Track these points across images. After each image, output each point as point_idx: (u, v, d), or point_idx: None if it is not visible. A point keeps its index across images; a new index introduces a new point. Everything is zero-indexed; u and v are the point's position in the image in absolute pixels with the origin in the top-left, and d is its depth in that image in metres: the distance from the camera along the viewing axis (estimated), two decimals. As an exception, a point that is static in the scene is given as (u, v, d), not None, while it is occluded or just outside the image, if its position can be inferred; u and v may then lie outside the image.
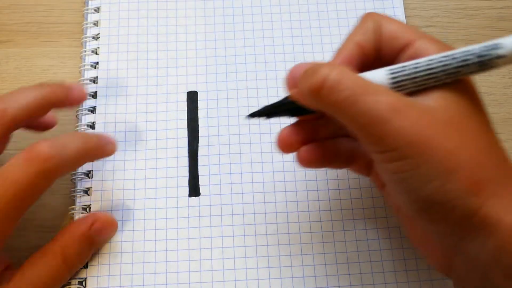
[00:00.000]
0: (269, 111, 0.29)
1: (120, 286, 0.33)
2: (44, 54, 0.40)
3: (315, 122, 0.29)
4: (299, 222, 0.35)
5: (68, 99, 0.32)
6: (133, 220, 0.35)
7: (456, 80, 0.24)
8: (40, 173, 0.28)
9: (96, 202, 0.35)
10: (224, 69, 0.39)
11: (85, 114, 0.38)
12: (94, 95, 0.38)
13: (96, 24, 0.41)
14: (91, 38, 0.40)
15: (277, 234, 0.35)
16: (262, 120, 0.37)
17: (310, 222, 0.35)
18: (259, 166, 0.36)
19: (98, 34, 0.40)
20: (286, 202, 0.35)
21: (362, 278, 0.33)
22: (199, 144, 0.37)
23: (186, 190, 0.36)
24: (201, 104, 0.38)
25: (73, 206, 0.35)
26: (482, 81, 0.39)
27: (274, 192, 0.36)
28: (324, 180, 0.36)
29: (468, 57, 0.24)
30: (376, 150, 0.24)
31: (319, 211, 0.35)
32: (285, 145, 0.29)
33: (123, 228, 0.35)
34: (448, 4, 0.43)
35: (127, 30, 0.40)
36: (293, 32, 0.41)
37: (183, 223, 0.35)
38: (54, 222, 0.35)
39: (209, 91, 0.39)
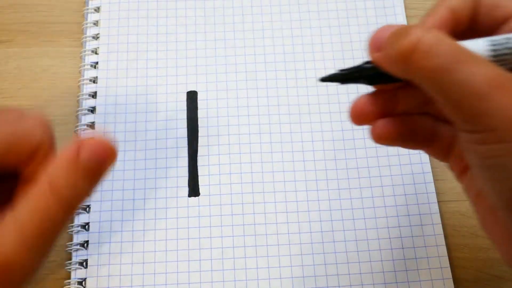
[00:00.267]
0: (345, 77, 0.25)
1: (119, 286, 0.33)
2: (44, 54, 0.40)
3: (394, 93, 0.26)
4: (299, 222, 0.35)
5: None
6: (133, 220, 0.35)
7: None
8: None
9: (96, 202, 0.35)
10: (224, 69, 0.39)
11: (85, 114, 0.38)
12: (94, 95, 0.38)
13: (96, 24, 0.41)
14: (91, 38, 0.40)
15: (277, 234, 0.35)
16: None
17: (310, 222, 0.35)
18: (259, 166, 0.36)
19: (98, 34, 0.40)
20: (286, 202, 0.35)
21: (362, 278, 0.33)
22: (199, 144, 0.37)
23: (185, 190, 0.36)
24: (201, 104, 0.38)
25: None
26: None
27: (274, 192, 0.36)
28: (324, 180, 0.36)
29: None
30: (468, 129, 0.21)
31: (319, 211, 0.35)
32: (359, 116, 0.26)
33: (123, 229, 0.34)
34: (448, 4, 0.42)
35: (127, 30, 0.40)
36: (293, 32, 0.41)
37: (182, 223, 0.35)
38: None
39: (209, 91, 0.39)
